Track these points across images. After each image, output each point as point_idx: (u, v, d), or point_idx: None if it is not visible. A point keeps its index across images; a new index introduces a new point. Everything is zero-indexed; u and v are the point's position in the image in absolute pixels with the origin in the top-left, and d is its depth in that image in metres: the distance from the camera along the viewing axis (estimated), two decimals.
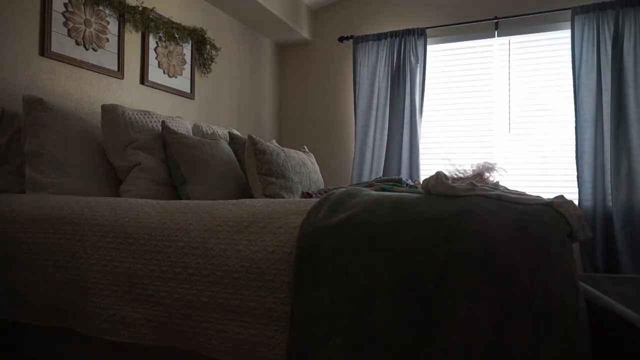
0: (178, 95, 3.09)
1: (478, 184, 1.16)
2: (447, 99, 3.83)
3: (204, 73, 3.34)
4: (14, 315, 1.45)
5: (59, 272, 1.38)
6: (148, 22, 2.75)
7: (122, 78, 2.63)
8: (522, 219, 0.98)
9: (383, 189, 1.73)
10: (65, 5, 2.28)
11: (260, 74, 4.12)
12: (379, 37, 3.90)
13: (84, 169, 1.93)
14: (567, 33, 3.45)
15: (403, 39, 3.80)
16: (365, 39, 3.95)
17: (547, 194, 3.43)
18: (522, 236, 0.95)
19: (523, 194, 1.16)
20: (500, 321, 0.89)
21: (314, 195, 1.89)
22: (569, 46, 3.33)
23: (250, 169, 1.97)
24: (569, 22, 3.35)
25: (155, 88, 2.88)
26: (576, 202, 3.23)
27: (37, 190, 1.77)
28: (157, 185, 1.98)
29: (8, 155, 1.91)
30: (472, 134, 3.73)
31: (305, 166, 2.23)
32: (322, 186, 2.36)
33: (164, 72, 2.95)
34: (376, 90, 3.90)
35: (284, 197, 1.94)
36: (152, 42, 2.84)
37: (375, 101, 3.90)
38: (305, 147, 2.68)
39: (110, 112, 2.03)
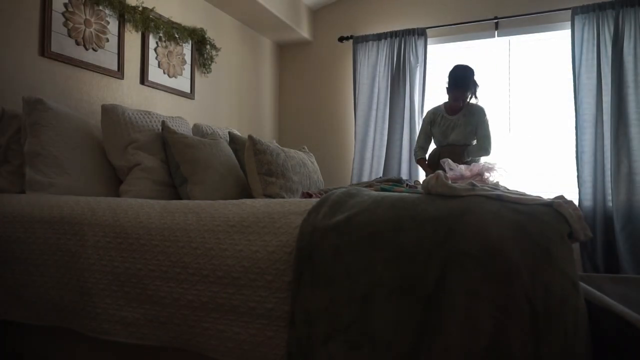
0: (178, 95, 3.09)
1: (478, 184, 1.16)
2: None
3: (204, 73, 3.34)
4: (14, 315, 1.45)
5: (59, 272, 1.38)
6: (148, 22, 2.75)
7: (122, 78, 2.63)
8: (522, 219, 0.98)
9: (383, 189, 1.73)
10: (65, 5, 2.28)
11: (260, 74, 4.12)
12: (379, 37, 3.90)
13: (84, 169, 1.93)
14: (567, 33, 3.45)
15: (403, 39, 3.80)
16: (365, 39, 3.95)
17: (547, 194, 3.42)
18: (522, 236, 0.95)
19: (523, 194, 1.16)
20: (500, 321, 0.89)
21: (314, 196, 1.89)
22: (569, 46, 3.33)
23: (250, 169, 1.97)
24: (569, 22, 3.35)
25: (155, 88, 2.88)
26: (576, 202, 3.23)
27: (37, 190, 1.77)
28: (157, 185, 1.98)
29: (8, 155, 1.91)
30: None
31: (306, 166, 2.23)
32: (322, 186, 2.36)
33: (164, 72, 2.95)
34: (376, 90, 3.90)
35: (284, 197, 1.94)
36: (152, 42, 2.84)
37: (375, 101, 3.90)
38: (305, 147, 2.68)
39: (110, 112, 2.03)
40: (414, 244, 1.01)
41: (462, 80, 2.96)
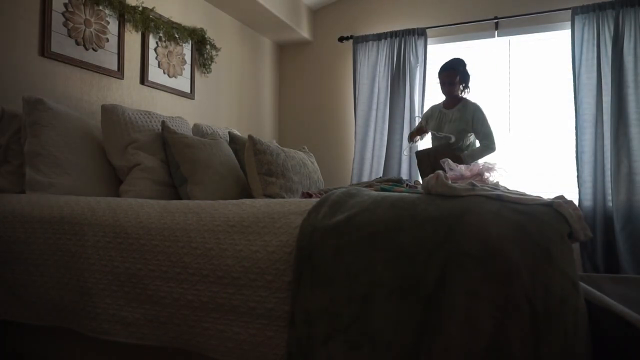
0: (178, 95, 3.09)
1: (478, 184, 1.16)
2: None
3: (204, 73, 3.34)
4: (14, 315, 1.45)
5: (59, 272, 1.38)
6: (148, 22, 2.75)
7: (122, 78, 2.63)
8: (522, 219, 0.98)
9: (383, 189, 1.73)
10: (65, 5, 2.28)
11: (260, 74, 4.12)
12: (379, 37, 3.90)
13: (84, 169, 1.93)
14: (567, 33, 3.45)
15: (403, 39, 3.80)
16: (365, 39, 3.95)
17: (547, 194, 3.42)
18: (522, 236, 0.95)
19: (523, 194, 1.16)
20: (500, 321, 0.89)
21: (314, 196, 1.89)
22: (569, 46, 3.33)
23: (250, 169, 1.97)
24: (569, 22, 3.35)
25: (155, 88, 2.88)
26: (576, 202, 3.23)
27: (37, 190, 1.77)
28: (157, 185, 1.98)
29: (8, 155, 1.91)
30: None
31: (306, 166, 2.23)
32: (322, 186, 2.36)
33: (164, 72, 2.95)
34: (376, 90, 3.90)
35: (284, 197, 1.94)
36: (152, 42, 2.84)
37: (375, 101, 3.90)
38: (305, 147, 2.68)
39: (110, 112, 2.03)
40: (414, 244, 1.01)
41: (447, 64, 2.98)
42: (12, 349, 1.57)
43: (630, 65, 3.15)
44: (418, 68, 3.76)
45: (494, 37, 3.65)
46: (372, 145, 3.88)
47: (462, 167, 1.96)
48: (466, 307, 0.91)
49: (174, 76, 3.04)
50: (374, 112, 3.89)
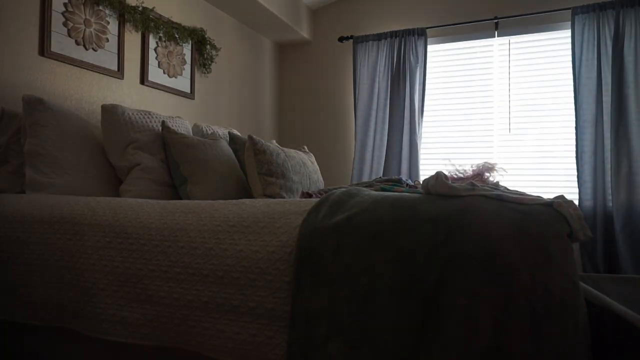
0: (178, 95, 3.09)
1: (478, 184, 1.16)
2: (447, 99, 3.83)
3: (204, 73, 3.34)
4: (14, 315, 1.45)
5: (59, 272, 1.38)
6: (148, 22, 2.75)
7: (122, 78, 2.63)
8: (522, 219, 0.98)
9: (383, 189, 1.73)
10: (65, 5, 2.28)
11: (260, 74, 4.12)
12: (379, 37, 3.90)
13: (84, 169, 1.93)
14: (567, 33, 3.45)
15: (403, 39, 3.80)
16: (365, 39, 3.95)
17: (547, 194, 3.43)
18: (522, 236, 0.95)
19: (523, 194, 1.16)
20: (500, 321, 0.89)
21: (314, 195, 1.89)
22: (569, 46, 3.33)
23: (250, 169, 1.97)
24: (569, 22, 3.35)
25: (155, 88, 2.88)
26: (576, 202, 3.23)
27: (37, 190, 1.77)
28: (157, 185, 1.98)
29: (8, 155, 1.92)
30: (472, 134, 3.73)
31: (305, 166, 2.23)
32: (322, 186, 2.36)
33: (164, 72, 2.95)
34: (376, 90, 3.90)
35: (284, 197, 1.94)
36: (152, 42, 2.84)
37: (375, 101, 3.90)
38: (305, 147, 2.68)
39: (110, 112, 2.03)
40: (413, 244, 1.01)
41: None
42: (12, 349, 1.57)
43: (631, 66, 3.15)
44: (418, 68, 3.76)
45: (494, 37, 3.65)
46: (372, 145, 3.88)
47: (462, 167, 1.96)
48: (466, 307, 0.91)
49: (174, 76, 3.04)
50: (374, 112, 3.89)
